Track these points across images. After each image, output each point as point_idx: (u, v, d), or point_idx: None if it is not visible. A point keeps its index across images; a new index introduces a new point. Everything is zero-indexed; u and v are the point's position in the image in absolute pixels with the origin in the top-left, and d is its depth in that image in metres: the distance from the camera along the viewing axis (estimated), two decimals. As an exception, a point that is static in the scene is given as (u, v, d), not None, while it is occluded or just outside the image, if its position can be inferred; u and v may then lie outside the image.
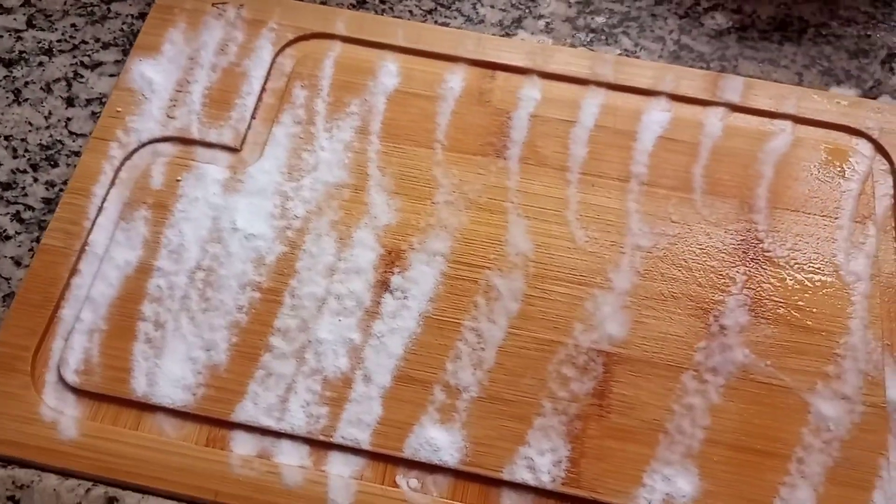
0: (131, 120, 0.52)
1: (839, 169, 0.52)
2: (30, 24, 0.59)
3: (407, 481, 0.43)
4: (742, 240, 0.50)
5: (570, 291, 0.48)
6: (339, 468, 0.43)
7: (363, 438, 0.44)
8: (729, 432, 0.45)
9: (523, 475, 0.43)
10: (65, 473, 0.43)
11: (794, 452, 0.44)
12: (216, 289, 0.47)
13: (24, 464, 0.43)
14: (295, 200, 0.50)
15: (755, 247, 0.50)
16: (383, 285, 0.48)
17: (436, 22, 0.59)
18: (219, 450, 0.43)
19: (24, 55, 0.57)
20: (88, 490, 0.42)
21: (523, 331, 0.47)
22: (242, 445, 0.44)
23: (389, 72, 0.55)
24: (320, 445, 0.44)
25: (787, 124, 0.54)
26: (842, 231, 0.50)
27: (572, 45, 0.58)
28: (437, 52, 0.55)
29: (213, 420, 0.44)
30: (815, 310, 0.48)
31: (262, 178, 0.51)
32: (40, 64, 0.57)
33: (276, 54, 0.55)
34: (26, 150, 0.53)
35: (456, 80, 0.55)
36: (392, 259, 0.48)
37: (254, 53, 0.55)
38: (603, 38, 0.59)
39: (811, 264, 0.49)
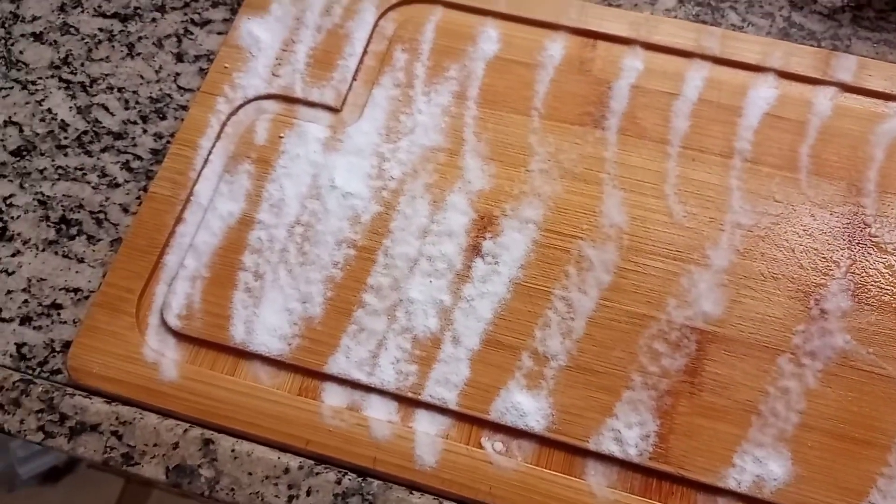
0: (238, 76, 0.54)
1: (958, 155, 0.50)
2: (142, -18, 0.61)
3: (492, 444, 0.44)
4: (848, 223, 0.48)
5: (665, 266, 0.47)
6: (426, 426, 0.44)
7: (450, 398, 0.44)
8: (825, 418, 0.43)
9: (610, 447, 0.43)
10: (164, 413, 0.45)
11: (894, 443, 0.43)
12: (313, 244, 0.48)
13: (127, 401, 0.45)
14: (391, 162, 0.51)
15: (862, 231, 0.48)
16: (475, 249, 0.48)
17: (538, -10, 0.58)
18: (311, 399, 0.45)
19: (138, 11, 0.59)
20: (186, 431, 0.44)
21: (614, 303, 0.46)
22: (333, 397, 0.45)
23: (489, 38, 0.55)
24: (408, 402, 0.44)
25: (903, 106, 0.52)
26: (958, 220, 0.48)
27: (677, 17, 0.57)
28: (539, 20, 0.55)
29: (306, 370, 0.45)
30: (924, 299, 0.46)
31: (360, 139, 0.51)
32: (153, 20, 0.59)
33: (379, 17, 0.56)
34: (137, 103, 0.55)
35: (556, 48, 0.54)
36: (484, 224, 0.49)
37: (357, 16, 0.56)
38: (709, 11, 0.57)
39: (923, 252, 0.47)
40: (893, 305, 0.46)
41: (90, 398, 0.45)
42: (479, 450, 0.43)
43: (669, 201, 0.49)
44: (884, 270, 0.47)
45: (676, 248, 0.48)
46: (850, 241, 0.48)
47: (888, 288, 0.46)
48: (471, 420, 0.44)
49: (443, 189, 0.50)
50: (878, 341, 0.45)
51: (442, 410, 0.44)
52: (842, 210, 0.49)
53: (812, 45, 0.56)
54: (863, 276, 0.47)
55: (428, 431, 0.44)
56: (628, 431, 0.43)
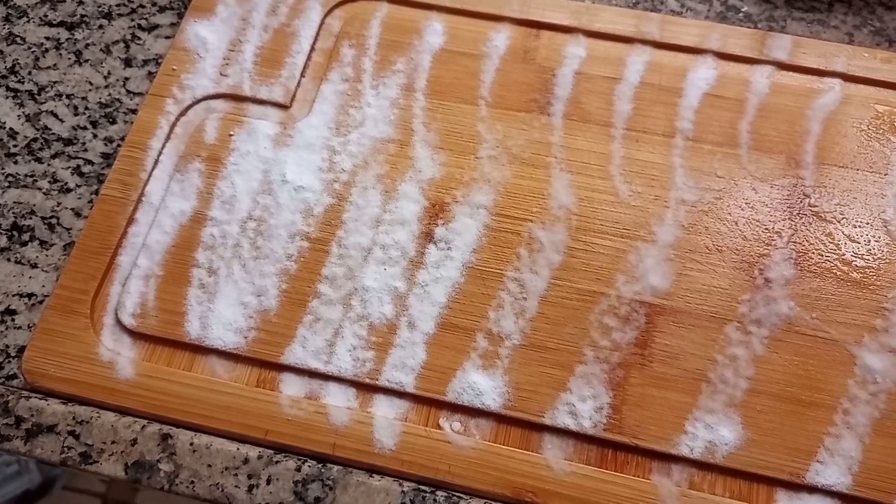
0: (186, 78, 0.54)
1: (890, 125, 0.52)
2: (89, -10, 0.61)
3: (450, 424, 0.44)
4: (788, 195, 0.50)
5: (613, 244, 0.48)
6: (385, 410, 0.44)
7: (407, 382, 0.45)
8: (773, 383, 0.44)
9: (565, 420, 0.44)
10: (121, 411, 0.45)
11: (839, 403, 0.44)
12: (266, 238, 0.48)
13: (83, 401, 0.45)
14: (342, 154, 0.51)
15: (802, 202, 0.49)
16: (427, 236, 0.49)
17: (481, -16, 0.59)
18: (269, 391, 0.45)
19: (85, 19, 0.59)
20: (144, 427, 0.44)
21: (565, 281, 0.47)
22: (291, 387, 0.45)
23: (435, 31, 0.56)
24: (366, 388, 0.45)
25: (837, 82, 0.54)
26: (891, 187, 0.50)
27: (617, 5, 0.58)
28: (482, 12, 0.56)
29: (263, 362, 0.46)
30: (862, 264, 0.47)
31: (310, 134, 0.52)
32: (100, 27, 0.59)
33: (325, 15, 0.56)
34: (86, 108, 0.56)
35: (501, 38, 0.55)
36: (436, 211, 0.49)
37: (303, 14, 0.57)
38: (648, -2, 0.59)
39: (859, 219, 0.49)
40: (834, 271, 0.47)
41: (46, 400, 0.45)
42: (438, 430, 0.44)
43: (615, 181, 0.50)
44: (824, 238, 0.48)
45: (623, 226, 0.49)
46: (790, 211, 0.49)
47: (828, 255, 0.48)
48: (428, 402, 0.45)
49: (394, 179, 0.50)
50: (820, 306, 0.46)
51: (400, 394, 0.45)
52: (782, 182, 0.50)
53: (749, 27, 0.58)
54: (804, 245, 0.48)
55: (386, 415, 0.44)
56: (582, 405, 0.44)
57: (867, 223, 0.49)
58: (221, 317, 0.46)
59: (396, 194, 0.50)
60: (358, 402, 0.45)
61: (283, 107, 0.53)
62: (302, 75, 0.54)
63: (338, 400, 0.45)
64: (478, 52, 0.55)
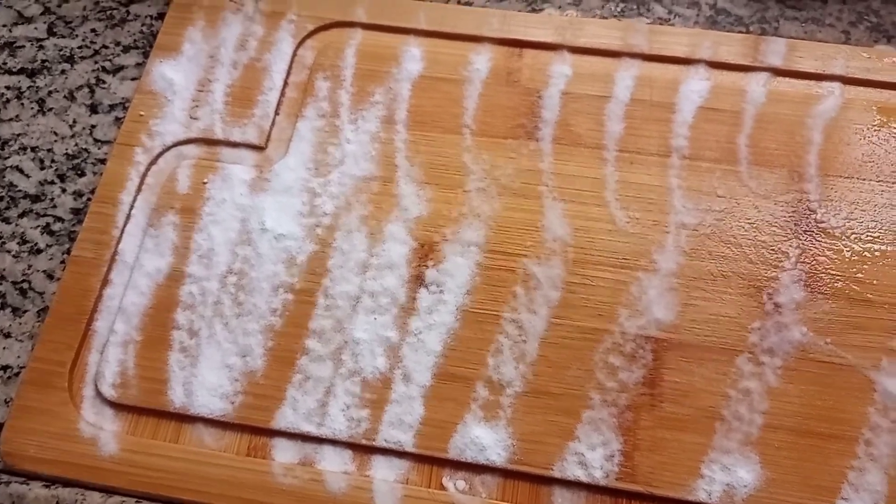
0: (155, 123, 0.51)
1: (894, 130, 0.49)
2: (51, 31, 0.58)
3: (454, 483, 0.42)
4: (793, 211, 0.47)
5: (613, 276, 0.46)
6: (384, 472, 0.42)
7: (406, 440, 0.42)
8: (790, 416, 0.42)
9: (575, 471, 0.41)
10: (108, 490, 0.42)
11: (860, 434, 0.42)
12: (248, 292, 0.46)
13: (66, 482, 0.43)
14: (323, 196, 0.49)
15: (808, 218, 0.47)
16: (418, 280, 0.46)
17: (458, 2, 0.57)
18: (260, 459, 0.42)
19: (46, 64, 0.57)
20: (132, 504, 0.42)
21: (566, 320, 0.45)
22: (284, 453, 0.43)
23: (413, 57, 0.53)
24: (363, 449, 0.43)
25: (836, 86, 0.51)
26: (901, 196, 0.47)
27: (602, 17, 0.56)
28: (461, 33, 0.53)
29: (252, 428, 0.43)
30: (875, 281, 0.45)
31: (288, 176, 0.49)
32: (62, 72, 0.56)
33: (297, 46, 0.54)
34: (53, 161, 0.53)
35: (482, 60, 0.53)
36: (425, 252, 0.47)
37: (274, 47, 0.54)
38: (634, 7, 0.56)
39: (869, 233, 0.46)
40: (846, 292, 0.45)
41: (28, 484, 0.43)
42: (442, 491, 0.42)
43: (611, 208, 0.48)
44: (833, 256, 0.46)
45: (623, 256, 0.46)
46: (796, 229, 0.47)
47: (839, 274, 0.45)
48: (430, 461, 0.42)
49: (379, 220, 0.48)
50: (834, 330, 0.44)
51: (399, 454, 0.42)
52: (786, 198, 0.48)
53: (741, 31, 0.55)
54: (813, 265, 0.46)
55: (386, 478, 0.42)
56: (592, 453, 0.42)
57: (878, 237, 0.46)
58: (206, 382, 0.44)
59: (382, 236, 0.47)
60: (355, 466, 0.42)
61: (258, 148, 0.51)
62: (276, 113, 0.52)
63: (334, 464, 0.42)
64: (459, 76, 0.52)
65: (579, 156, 0.49)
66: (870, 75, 0.51)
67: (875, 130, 0.49)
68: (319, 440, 0.43)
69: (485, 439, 0.42)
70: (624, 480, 0.41)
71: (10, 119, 0.55)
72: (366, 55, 0.53)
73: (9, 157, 0.53)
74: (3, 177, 0.53)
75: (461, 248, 0.47)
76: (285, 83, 0.53)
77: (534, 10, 0.56)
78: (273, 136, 0.51)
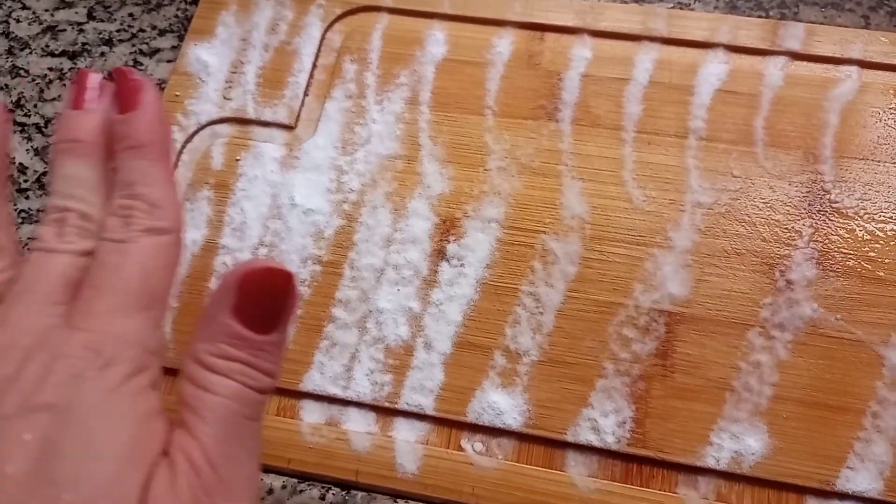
0: (190, 103, 0.54)
1: (911, 112, 0.50)
2: (90, 16, 0.61)
3: (472, 444, 0.44)
4: (808, 192, 0.48)
5: (629, 252, 0.47)
6: (405, 433, 0.44)
7: (427, 404, 0.44)
8: (799, 388, 0.44)
9: (587, 436, 0.43)
10: (146, 445, 0.45)
11: (868, 407, 0.43)
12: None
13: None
14: (350, 174, 0.51)
15: (822, 198, 0.48)
16: (439, 254, 0.48)
17: (482, -13, 0.58)
18: (289, 419, 0.45)
19: (86, 46, 0.59)
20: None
21: (582, 294, 0.47)
22: (311, 414, 0.45)
23: (437, 41, 0.55)
24: (386, 412, 0.45)
25: (854, 70, 0.52)
26: (915, 177, 0.48)
27: (623, 1, 0.57)
28: (484, 18, 0.55)
29: (282, 390, 0.45)
30: (887, 260, 0.46)
31: (317, 154, 0.51)
32: (102, 54, 0.59)
33: (326, 30, 0.56)
34: (93, 139, 0.55)
35: (504, 44, 0.54)
36: (447, 227, 0.49)
37: (303, 31, 0.56)
38: (655, -9, 0.58)
39: (882, 213, 0.47)
40: (858, 270, 0.46)
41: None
42: (460, 452, 0.44)
43: (628, 187, 0.49)
44: (846, 236, 0.47)
45: (639, 233, 0.48)
46: (810, 209, 0.48)
47: (851, 252, 0.47)
48: (449, 423, 0.44)
49: (403, 196, 0.50)
50: (845, 307, 0.45)
51: (420, 417, 0.45)
52: (800, 179, 0.49)
53: (760, 16, 0.56)
54: (826, 244, 0.47)
55: (407, 439, 0.44)
56: (604, 420, 0.43)
57: (890, 217, 0.47)
58: (238, 347, 0.46)
59: (406, 212, 0.49)
60: (378, 427, 0.44)
61: (288, 128, 0.53)
62: (305, 94, 0.54)
63: (358, 425, 0.44)
64: (482, 59, 0.54)
65: (598, 136, 0.51)
66: (888, 59, 0.52)
67: (891, 113, 0.50)
68: (345, 402, 0.45)
69: (502, 404, 0.44)
70: (635, 446, 0.43)
71: (53, 99, 0.57)
72: (391, 39, 0.55)
73: (52, 135, 0.56)
74: (48, 153, 0.55)
75: (482, 224, 0.49)
76: (314, 65, 0.55)
77: (556, -5, 0.57)
78: (302, 116, 0.53)
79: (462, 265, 0.48)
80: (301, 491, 0.43)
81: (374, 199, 0.50)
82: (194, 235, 0.49)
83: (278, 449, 0.44)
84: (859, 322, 0.45)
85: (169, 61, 0.58)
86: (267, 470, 0.44)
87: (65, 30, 0.60)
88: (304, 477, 0.44)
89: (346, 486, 0.43)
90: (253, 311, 0.27)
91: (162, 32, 0.59)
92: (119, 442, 0.24)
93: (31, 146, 0.55)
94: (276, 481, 0.44)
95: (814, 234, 0.47)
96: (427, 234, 0.49)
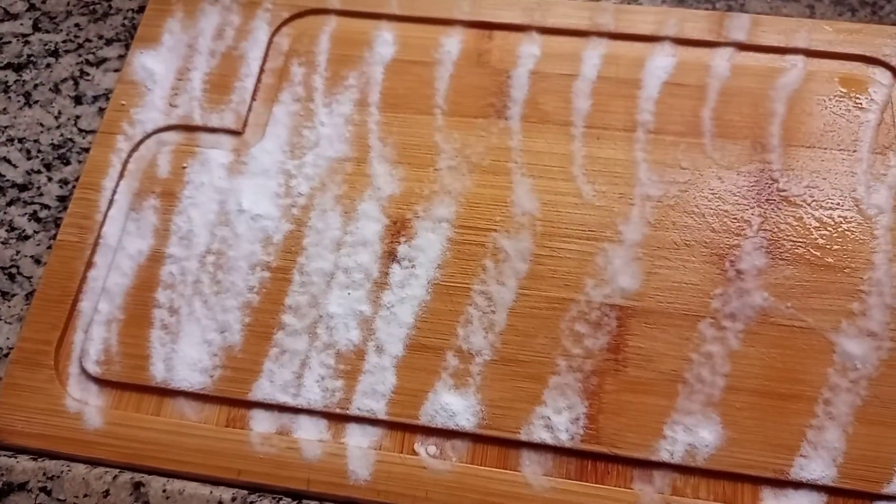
0: (136, 112, 0.53)
1: (856, 100, 0.50)
2: (35, 27, 0.60)
3: (425, 448, 0.43)
4: (756, 181, 0.48)
5: (580, 247, 0.47)
6: (358, 439, 0.44)
7: (379, 408, 0.44)
8: (751, 378, 0.43)
9: (541, 434, 0.43)
10: (92, 462, 0.44)
11: (820, 394, 0.43)
12: (226, 271, 0.48)
13: (52, 455, 0.44)
14: (298, 178, 0.50)
15: (770, 187, 0.48)
16: (390, 255, 0.48)
17: (430, -13, 0.58)
18: (239, 429, 0.44)
19: (31, 58, 0.58)
20: (115, 477, 0.44)
21: (533, 291, 0.46)
22: (261, 423, 0.44)
23: (385, 41, 0.54)
24: (337, 418, 0.44)
25: (799, 59, 0.52)
26: (861, 164, 0.48)
27: (571, -2, 0.57)
28: (432, 17, 0.55)
29: (231, 400, 0.45)
30: (836, 247, 0.46)
31: (265, 159, 0.51)
32: (48, 65, 0.58)
33: (273, 34, 0.55)
34: (39, 151, 0.55)
35: (453, 43, 0.54)
36: (398, 229, 0.48)
37: (250, 35, 0.55)
38: (602, -13, 0.58)
39: (829, 200, 0.48)
40: (807, 257, 0.46)
41: (16, 457, 0.44)
42: (413, 456, 0.43)
43: (578, 182, 0.49)
44: (795, 224, 0.47)
45: (589, 228, 0.48)
46: (759, 198, 0.48)
47: (800, 240, 0.47)
48: (402, 427, 0.44)
49: (353, 199, 0.49)
50: (795, 294, 0.45)
51: (372, 422, 0.44)
52: (748, 168, 0.49)
53: (707, 9, 0.56)
54: (775, 232, 0.47)
55: (360, 445, 0.43)
56: (558, 417, 0.43)
57: (838, 204, 0.47)
58: (186, 357, 0.45)
59: (356, 215, 0.49)
60: (330, 434, 0.44)
61: (235, 133, 0.52)
62: (253, 98, 0.53)
63: (309, 433, 0.44)
64: (430, 59, 0.54)
65: (547, 133, 0.51)
66: (832, 48, 0.52)
67: (837, 101, 0.50)
68: (295, 410, 0.44)
69: (455, 406, 0.43)
70: (589, 442, 0.42)
71: (-2, 112, 0.56)
72: (339, 41, 0.55)
73: (-3, 149, 0.55)
74: (-8, 167, 0.54)
75: (432, 225, 0.48)
76: (261, 70, 0.54)
77: (504, -7, 0.57)
78: (250, 121, 0.53)
79: (413, 266, 0.47)
80: (252, 502, 0.43)
81: (323, 202, 0.49)
82: (140, 245, 0.49)
83: (228, 460, 0.43)
84: (809, 309, 0.45)
85: (116, 70, 0.57)
86: (216, 482, 0.43)
87: (9, 42, 0.59)
88: (254, 488, 0.43)
89: (298, 495, 0.43)
90: None
91: (109, 42, 0.58)
92: None
93: (-25, 160, 0.54)
94: (225, 493, 0.43)
95: (763, 223, 0.47)
96: (378, 235, 0.48)
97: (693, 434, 0.42)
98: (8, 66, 0.58)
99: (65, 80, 0.57)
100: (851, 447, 0.42)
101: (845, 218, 0.47)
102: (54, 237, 0.51)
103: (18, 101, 0.57)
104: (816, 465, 0.41)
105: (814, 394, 0.43)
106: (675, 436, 0.42)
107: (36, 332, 0.47)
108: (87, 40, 0.59)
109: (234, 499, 0.43)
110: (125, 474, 0.44)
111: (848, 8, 0.55)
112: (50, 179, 0.53)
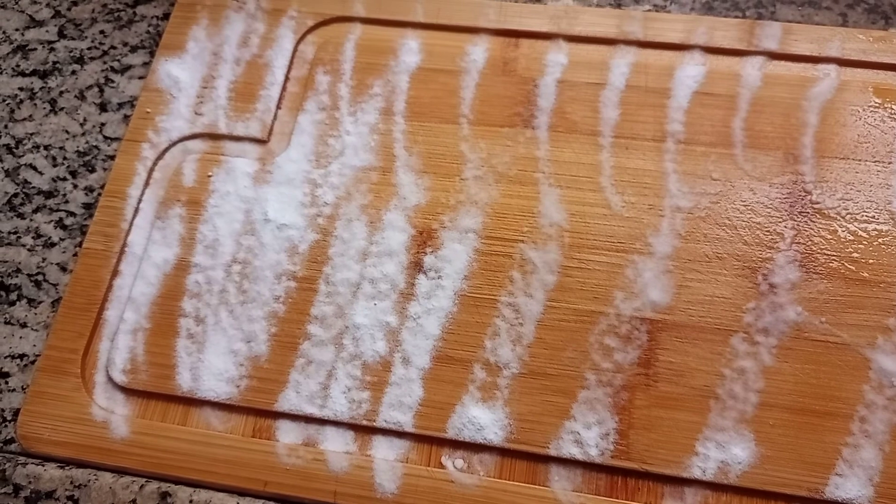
0: (161, 120, 0.53)
1: (891, 111, 0.49)
2: (61, 34, 0.60)
3: (453, 462, 0.43)
4: (788, 193, 0.48)
5: (609, 259, 0.47)
6: (384, 452, 0.43)
7: (406, 421, 0.43)
8: (784, 394, 0.43)
9: (570, 450, 0.42)
10: (119, 471, 0.44)
11: (855, 411, 0.42)
12: (252, 280, 0.47)
13: (80, 464, 0.44)
14: (324, 187, 0.50)
15: (803, 199, 0.47)
16: (416, 266, 0.47)
17: (456, -6, 0.58)
18: (265, 440, 0.44)
19: (57, 65, 0.58)
20: (142, 486, 0.43)
21: (562, 303, 0.46)
22: (287, 434, 0.44)
23: (410, 49, 0.54)
24: (364, 430, 0.44)
25: (832, 68, 0.51)
26: (897, 176, 0.48)
27: (598, 5, 0.56)
28: (458, 25, 0.54)
29: (257, 411, 0.45)
30: (871, 261, 0.45)
31: (290, 168, 0.51)
32: (73, 73, 0.58)
33: (298, 42, 0.55)
34: (65, 158, 0.55)
35: (479, 51, 0.53)
36: (424, 239, 0.48)
37: (275, 43, 0.55)
38: (630, -6, 0.57)
39: (864, 213, 0.47)
40: (841, 271, 0.45)
41: (43, 465, 0.44)
42: (440, 469, 0.43)
43: (607, 193, 0.48)
44: (828, 237, 0.46)
45: (618, 240, 0.47)
46: (791, 210, 0.47)
47: (834, 254, 0.46)
48: (429, 440, 0.43)
49: (378, 209, 0.49)
50: (829, 309, 0.44)
51: (399, 434, 0.44)
52: (781, 180, 0.48)
53: (736, 16, 0.55)
54: (808, 245, 0.46)
55: (386, 457, 0.43)
56: (587, 432, 0.42)
57: (873, 217, 0.47)
58: (212, 367, 0.45)
59: (382, 224, 0.48)
60: (356, 446, 0.43)
61: (260, 142, 0.52)
62: (278, 107, 0.53)
63: (336, 445, 0.43)
64: (456, 67, 0.53)
65: (575, 142, 0.50)
66: (866, 56, 0.51)
67: (871, 111, 0.50)
68: (322, 421, 0.44)
69: (482, 419, 0.43)
70: (619, 458, 0.42)
71: (24, 119, 0.56)
72: (365, 49, 0.54)
73: (23, 156, 0.55)
74: (18, 174, 0.54)
75: (459, 235, 0.48)
76: (286, 78, 0.54)
77: (530, 1, 0.57)
78: (275, 129, 0.52)
79: (440, 277, 0.47)
80: (278, 514, 0.42)
81: (348, 212, 0.49)
82: (166, 254, 0.49)
83: (254, 471, 0.43)
84: (844, 325, 0.44)
85: (141, 77, 0.57)
86: (242, 493, 0.43)
87: (35, 49, 0.59)
88: (280, 500, 0.43)
89: (325, 507, 0.42)
90: None
91: (133, 49, 0.58)
92: None
93: (2, 167, 0.54)
94: (252, 504, 0.43)
95: (796, 236, 0.46)
96: (403, 246, 0.48)
97: (725, 451, 0.42)
98: (34, 73, 0.58)
99: (90, 87, 0.57)
100: (888, 466, 0.41)
101: (881, 231, 0.46)
102: (80, 245, 0.51)
103: (44, 109, 0.57)
104: (852, 485, 0.41)
105: (849, 411, 0.42)
106: (707, 452, 0.42)
107: (62, 341, 0.47)
108: (112, 47, 0.59)
109: (260, 511, 0.42)
110: (152, 484, 0.43)
111: (881, 16, 0.55)
112: (75, 187, 0.54)
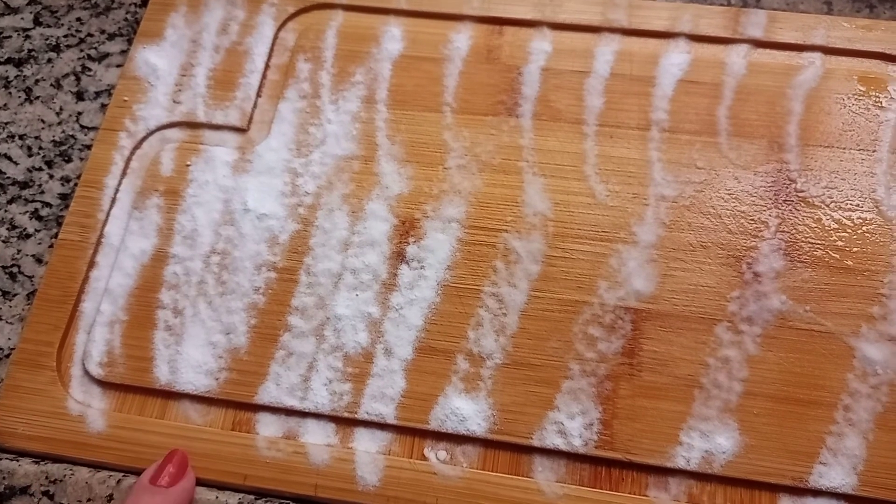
0: (138, 108, 0.52)
1: (875, 99, 0.49)
2: (37, 21, 0.59)
3: (435, 453, 0.42)
4: (773, 181, 0.47)
5: (593, 249, 0.46)
6: (366, 444, 0.43)
7: (388, 413, 0.43)
8: (769, 383, 0.42)
9: (554, 440, 0.42)
10: (95, 466, 0.43)
11: (839, 400, 0.42)
12: (232, 271, 0.47)
13: (55, 459, 0.43)
14: (305, 177, 0.49)
15: (787, 187, 0.47)
16: (399, 256, 0.47)
17: (439, -18, 0.57)
18: (244, 433, 0.43)
19: (32, 53, 0.57)
20: (119, 481, 0.43)
21: (546, 293, 0.45)
22: (268, 427, 0.43)
23: (393, 37, 0.53)
24: (345, 422, 0.43)
25: (817, 56, 0.51)
26: (881, 164, 0.47)
27: (582, -7, 0.56)
28: (442, 12, 0.54)
29: (236, 404, 0.44)
30: (855, 249, 0.45)
31: (270, 157, 0.50)
32: (49, 61, 0.57)
33: (278, 29, 0.54)
34: (40, 148, 0.53)
35: (462, 39, 0.53)
36: (406, 229, 0.47)
37: (255, 30, 0.54)
38: (615, -18, 0.56)
39: (849, 202, 0.46)
40: (826, 260, 0.45)
41: (18, 460, 0.44)
42: (423, 461, 0.42)
43: (591, 182, 0.48)
44: (813, 225, 0.46)
45: (602, 229, 0.47)
46: (776, 199, 0.47)
47: (819, 242, 0.46)
48: (411, 432, 0.43)
49: (360, 198, 0.48)
50: (814, 298, 0.44)
51: (381, 426, 0.43)
52: (765, 169, 0.48)
53: (722, 4, 0.55)
54: (793, 234, 0.46)
55: (368, 450, 0.42)
56: (571, 422, 0.42)
57: (857, 205, 0.46)
58: (190, 359, 0.44)
59: (364, 214, 0.48)
60: (338, 438, 0.43)
61: (240, 130, 0.51)
62: (258, 95, 0.52)
63: (317, 437, 0.43)
64: (439, 55, 0.52)
65: (559, 131, 0.50)
66: (851, 45, 0.51)
67: (856, 99, 0.49)
68: (302, 414, 0.43)
69: (465, 410, 0.43)
70: (603, 448, 0.42)
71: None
72: (346, 36, 0.54)
73: None
74: (-8, 164, 0.53)
75: (442, 225, 0.47)
76: (267, 66, 0.53)
77: (514, -12, 0.56)
78: (255, 118, 0.52)
79: (422, 267, 0.46)
80: (259, 507, 0.42)
81: (330, 201, 0.48)
82: (143, 245, 0.48)
83: (234, 465, 0.42)
84: (829, 313, 0.44)
85: (118, 66, 0.56)
86: (222, 487, 0.42)
87: (10, 36, 0.58)
88: (260, 493, 0.42)
89: (305, 501, 0.42)
90: None
91: (111, 36, 0.57)
92: None
93: (-25, 157, 0.53)
94: (231, 498, 0.42)
95: (780, 224, 0.46)
96: (386, 236, 0.47)
97: (709, 440, 0.41)
98: (8, 60, 0.57)
99: (66, 75, 0.56)
100: (872, 454, 0.41)
101: (865, 220, 0.46)
102: (56, 236, 0.50)
103: (19, 97, 0.56)
104: (836, 473, 0.40)
105: (833, 400, 0.42)
106: (692, 442, 0.41)
107: (37, 333, 0.46)
108: (89, 35, 0.58)
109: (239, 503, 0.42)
110: (129, 479, 0.43)
111: (866, 4, 0.54)
112: (51, 177, 0.52)
